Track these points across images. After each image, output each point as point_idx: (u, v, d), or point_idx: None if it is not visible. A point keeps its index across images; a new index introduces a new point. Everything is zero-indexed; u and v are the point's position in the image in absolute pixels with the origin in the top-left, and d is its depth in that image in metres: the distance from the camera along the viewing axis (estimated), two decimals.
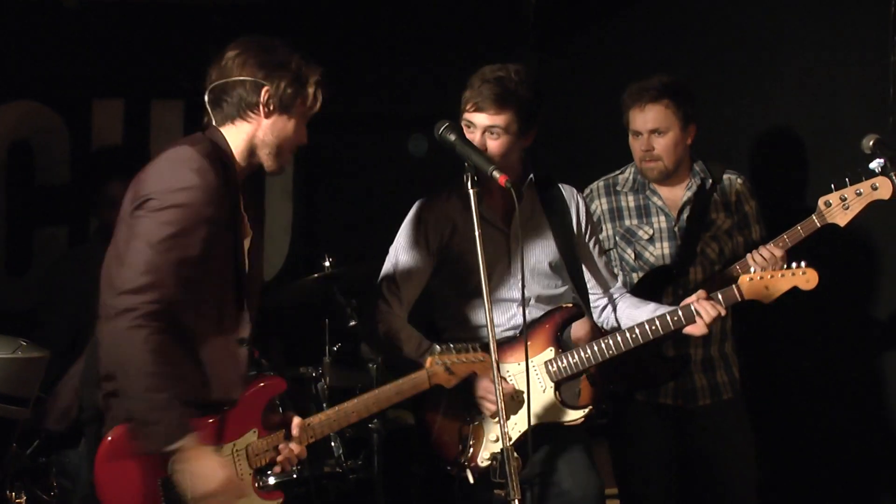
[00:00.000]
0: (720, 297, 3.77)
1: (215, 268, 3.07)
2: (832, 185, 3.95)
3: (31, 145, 5.13)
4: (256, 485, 3.23)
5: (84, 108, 5.29)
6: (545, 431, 3.70)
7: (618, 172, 4.39)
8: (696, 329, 3.74)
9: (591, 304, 3.93)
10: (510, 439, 3.57)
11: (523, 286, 3.34)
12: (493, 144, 3.62)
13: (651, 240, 4.30)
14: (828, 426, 4.67)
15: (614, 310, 3.93)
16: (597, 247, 3.94)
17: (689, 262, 4.27)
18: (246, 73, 3.10)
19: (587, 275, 3.90)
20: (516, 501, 2.94)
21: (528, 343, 3.66)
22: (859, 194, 3.93)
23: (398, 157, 5.63)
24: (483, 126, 3.62)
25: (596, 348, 3.72)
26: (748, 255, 4.08)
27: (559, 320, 3.77)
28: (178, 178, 2.99)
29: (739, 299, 3.76)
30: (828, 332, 4.67)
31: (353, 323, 4.91)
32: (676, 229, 4.30)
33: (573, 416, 3.71)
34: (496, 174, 3.07)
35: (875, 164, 3.79)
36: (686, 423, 4.33)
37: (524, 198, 3.74)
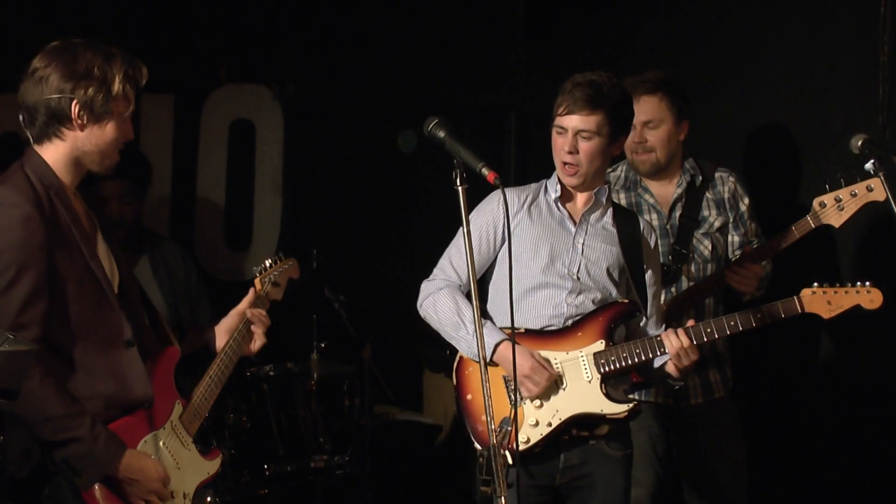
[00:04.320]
0: (780, 307, 3.77)
1: (71, 284, 3.11)
2: (826, 186, 3.94)
3: (20, 138, 5.12)
4: (198, 448, 3.41)
5: None
6: (588, 445, 3.73)
7: (609, 170, 4.36)
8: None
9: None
10: (550, 426, 3.67)
11: (511, 288, 3.31)
12: (585, 147, 3.68)
13: None
14: (818, 425, 4.68)
15: None
16: (655, 284, 3.90)
17: (681, 259, 4.27)
18: (52, 89, 3.10)
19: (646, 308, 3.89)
20: (502, 499, 2.92)
21: (579, 334, 3.74)
22: (854, 195, 3.91)
23: (388, 151, 5.64)
24: (575, 129, 3.68)
25: (647, 345, 3.70)
26: (729, 273, 4.13)
27: (613, 315, 3.76)
28: None
29: (800, 311, 3.76)
30: (820, 331, 4.66)
31: (340, 319, 4.93)
32: (668, 227, 4.31)
33: (616, 409, 3.68)
34: (485, 171, 3.05)
35: (870, 166, 3.74)
36: (677, 421, 4.35)
37: (596, 203, 3.81)
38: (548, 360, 3.70)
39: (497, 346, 3.68)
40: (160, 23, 5.36)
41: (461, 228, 3.80)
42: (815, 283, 3.77)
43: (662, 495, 4.38)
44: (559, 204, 3.81)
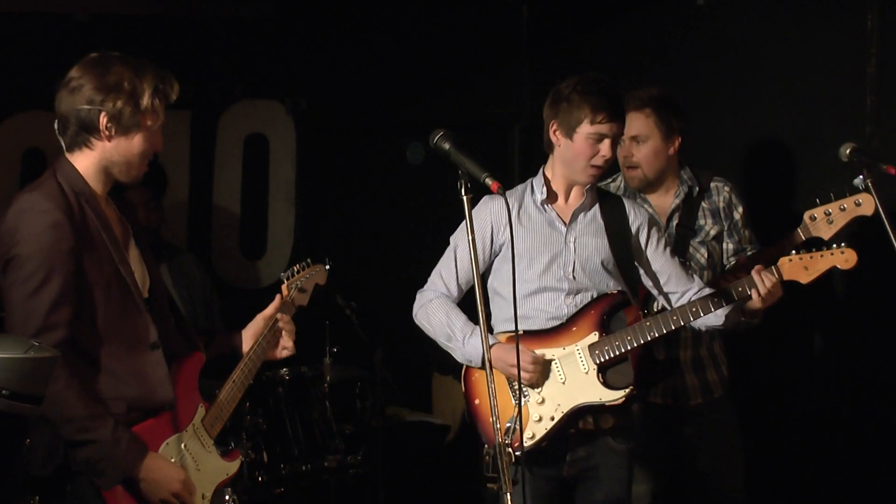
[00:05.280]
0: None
1: (98, 288, 3.15)
2: (817, 200, 4.00)
3: (45, 153, 5.20)
4: (219, 450, 3.44)
5: None
6: (592, 436, 3.81)
7: (609, 180, 4.44)
8: (754, 303, 3.76)
9: (675, 304, 3.94)
10: (553, 419, 3.76)
11: (514, 286, 3.33)
12: (614, 152, 3.81)
13: None
14: (814, 423, 4.74)
15: None
16: (667, 248, 3.96)
17: None
18: (83, 100, 3.14)
19: (663, 278, 3.92)
20: (508, 495, 2.96)
21: (574, 329, 3.82)
22: (843, 210, 3.96)
23: (396, 163, 5.73)
24: (616, 135, 3.79)
25: (638, 329, 3.78)
26: (723, 282, 4.10)
27: (604, 306, 3.83)
28: (26, 228, 3.09)
29: (777, 279, 3.77)
30: (814, 331, 4.76)
31: (352, 324, 5.00)
32: (666, 235, 4.29)
33: (613, 396, 3.75)
34: (489, 181, 3.10)
35: (858, 181, 3.82)
36: (678, 421, 4.39)
37: (587, 198, 3.89)
38: (534, 353, 3.76)
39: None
40: (177, 42, 5.45)
41: (451, 242, 3.90)
42: (793, 251, 3.82)
43: (663, 492, 4.44)
44: (546, 205, 3.88)
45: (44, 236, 3.07)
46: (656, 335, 3.79)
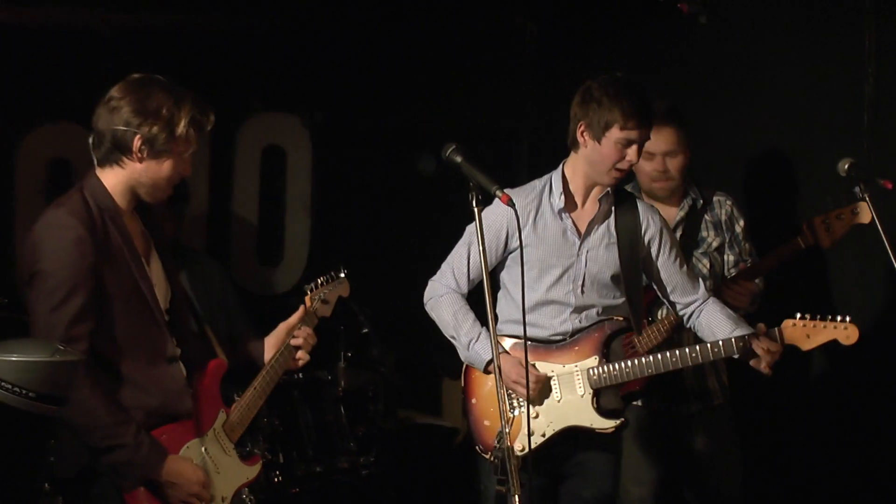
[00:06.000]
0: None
1: (118, 302, 3.22)
2: (815, 210, 4.09)
3: (70, 163, 5.26)
4: (239, 454, 3.54)
5: None
6: (580, 435, 3.85)
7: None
8: (758, 365, 3.82)
9: (678, 312, 4.00)
10: (544, 436, 3.82)
11: (523, 294, 3.47)
12: (639, 156, 3.82)
13: None
14: (813, 431, 4.80)
15: (699, 318, 3.98)
16: (677, 258, 3.96)
17: None
18: (120, 120, 3.19)
19: (669, 288, 3.96)
20: (516, 497, 3.02)
21: (576, 349, 3.87)
22: (840, 219, 4.07)
23: (408, 174, 5.78)
24: (643, 140, 3.77)
25: (637, 364, 3.83)
26: (724, 289, 4.22)
27: (607, 331, 3.86)
28: (50, 244, 3.16)
29: (779, 342, 3.84)
30: None
31: (365, 330, 5.10)
32: (677, 243, 4.31)
33: (605, 424, 3.83)
34: (498, 193, 3.18)
35: (856, 191, 3.88)
36: (678, 427, 4.47)
37: (603, 206, 3.88)
38: (534, 366, 3.82)
39: (488, 364, 3.81)
40: (196, 56, 5.50)
41: (465, 234, 3.94)
42: (798, 315, 3.84)
43: (664, 495, 4.51)
44: (563, 213, 3.85)
45: (67, 252, 3.15)
46: (653, 372, 3.86)
